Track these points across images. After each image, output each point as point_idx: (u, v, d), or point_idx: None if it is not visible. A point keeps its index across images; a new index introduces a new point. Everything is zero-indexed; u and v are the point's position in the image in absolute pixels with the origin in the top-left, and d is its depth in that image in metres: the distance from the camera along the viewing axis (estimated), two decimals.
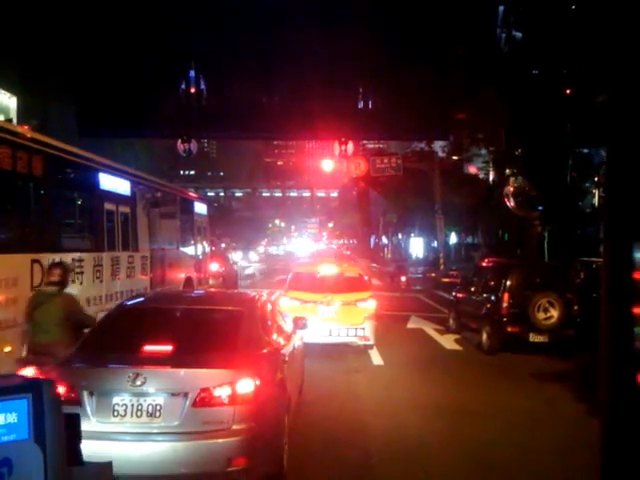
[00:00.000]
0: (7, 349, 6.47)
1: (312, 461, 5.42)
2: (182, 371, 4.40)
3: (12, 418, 1.45)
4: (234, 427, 4.17)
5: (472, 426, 6.53)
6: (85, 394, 4.19)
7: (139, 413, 4.17)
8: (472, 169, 31.39)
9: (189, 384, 4.26)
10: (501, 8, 15.76)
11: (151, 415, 4.17)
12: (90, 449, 4.45)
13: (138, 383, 4.17)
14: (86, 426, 4.05)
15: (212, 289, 16.55)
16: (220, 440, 4.15)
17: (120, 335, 5.10)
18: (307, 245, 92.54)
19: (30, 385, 1.49)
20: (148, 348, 4.72)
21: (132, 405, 4.18)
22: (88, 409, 4.14)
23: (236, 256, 49.34)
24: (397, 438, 6.06)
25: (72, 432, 1.56)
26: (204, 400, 4.19)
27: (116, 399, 4.20)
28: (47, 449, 1.45)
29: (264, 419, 4.36)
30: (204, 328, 5.14)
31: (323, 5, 10.43)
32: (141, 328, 5.16)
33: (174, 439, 4.12)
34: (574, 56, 13.94)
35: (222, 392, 4.21)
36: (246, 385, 4.27)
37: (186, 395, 4.19)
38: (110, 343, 4.97)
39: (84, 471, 1.61)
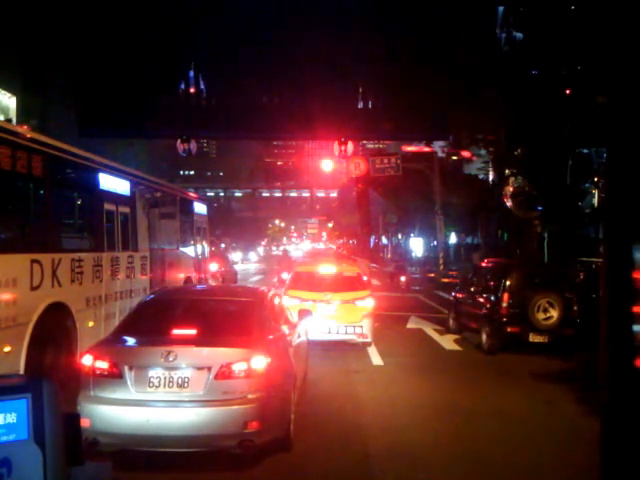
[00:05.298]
0: (7, 349, 6.46)
1: (312, 463, 5.41)
2: (206, 349, 5.16)
3: (11, 418, 1.44)
4: (249, 396, 4.91)
5: (472, 426, 6.53)
6: (126, 369, 4.91)
7: (170, 384, 4.89)
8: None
9: (212, 360, 4.97)
10: (501, 9, 15.77)
11: (180, 386, 4.90)
12: (129, 414, 4.75)
13: (170, 359, 4.89)
14: (126, 395, 4.95)
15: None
16: (237, 407, 4.89)
17: (152, 321, 5.87)
18: (306, 246, 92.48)
19: (29, 385, 1.48)
20: (177, 331, 5.45)
21: (165, 377, 4.90)
22: (128, 381, 4.89)
23: (236, 256, 49.42)
24: (397, 438, 6.06)
25: (72, 432, 1.56)
26: (224, 374, 4.91)
27: (151, 372, 4.92)
28: (46, 449, 1.45)
29: (274, 391, 5.11)
30: (224, 315, 5.94)
31: (323, 5, 10.43)
32: (170, 315, 5.92)
33: (199, 406, 4.85)
34: (574, 56, 13.94)
35: (239, 367, 4.94)
36: (259, 362, 5.00)
37: (209, 369, 4.91)
38: (144, 327, 5.73)
39: (84, 471, 1.60)
